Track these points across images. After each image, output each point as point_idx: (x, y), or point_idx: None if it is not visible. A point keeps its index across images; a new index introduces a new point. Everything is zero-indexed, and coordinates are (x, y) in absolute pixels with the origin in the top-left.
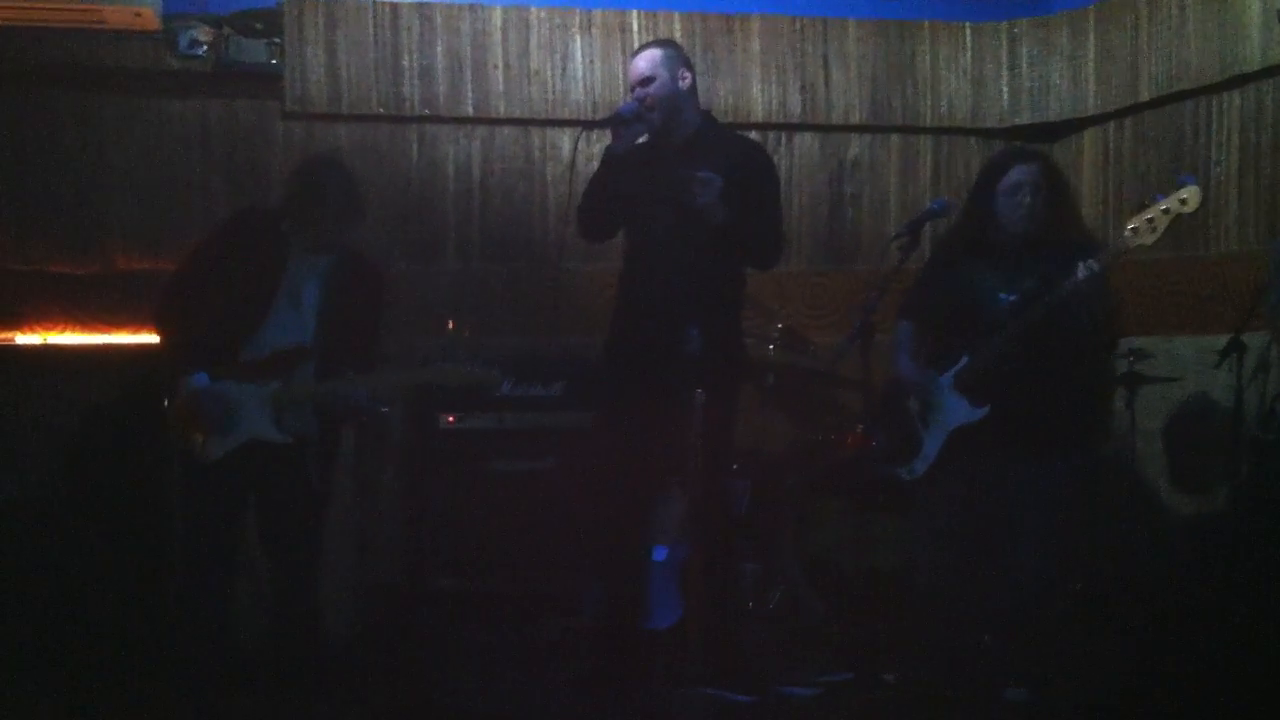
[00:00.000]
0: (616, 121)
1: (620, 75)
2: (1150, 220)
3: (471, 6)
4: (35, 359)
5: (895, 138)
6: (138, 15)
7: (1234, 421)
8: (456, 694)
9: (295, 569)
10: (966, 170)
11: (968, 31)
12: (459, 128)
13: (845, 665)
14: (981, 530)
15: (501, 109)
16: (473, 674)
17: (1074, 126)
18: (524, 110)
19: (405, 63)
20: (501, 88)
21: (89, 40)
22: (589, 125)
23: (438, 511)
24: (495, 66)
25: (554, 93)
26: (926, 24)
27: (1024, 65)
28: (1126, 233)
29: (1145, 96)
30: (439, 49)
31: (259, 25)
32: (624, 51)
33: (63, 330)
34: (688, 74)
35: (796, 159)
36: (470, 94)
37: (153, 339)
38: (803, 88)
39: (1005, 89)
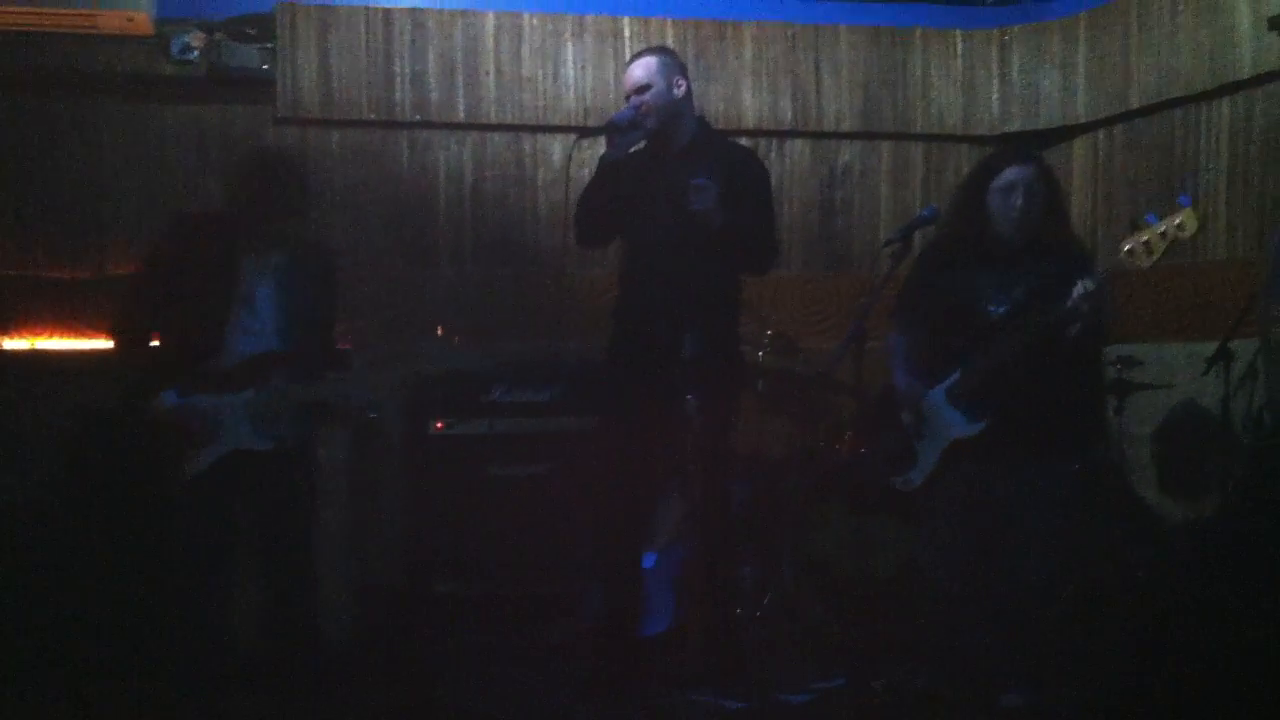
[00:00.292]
0: (611, 129)
1: (612, 81)
2: (1146, 243)
3: (464, 12)
4: (28, 364)
5: (887, 145)
6: (130, 20)
7: (1223, 428)
8: (454, 697)
9: (289, 572)
10: (957, 177)
11: (959, 39)
12: (451, 133)
13: (840, 670)
14: (979, 534)
15: (493, 115)
16: (470, 677)
17: (1065, 134)
18: (516, 116)
19: (397, 68)
20: (494, 94)
21: (82, 45)
22: (584, 133)
23: (435, 516)
24: (487, 72)
25: (546, 99)
26: (918, 31)
27: (1015, 73)
28: (1122, 254)
29: (1136, 104)
30: (431, 55)
31: (251, 30)
32: (616, 58)
33: (56, 335)
34: (683, 81)
35: (788, 166)
36: (462, 100)
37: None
38: (794, 94)
39: (996, 96)
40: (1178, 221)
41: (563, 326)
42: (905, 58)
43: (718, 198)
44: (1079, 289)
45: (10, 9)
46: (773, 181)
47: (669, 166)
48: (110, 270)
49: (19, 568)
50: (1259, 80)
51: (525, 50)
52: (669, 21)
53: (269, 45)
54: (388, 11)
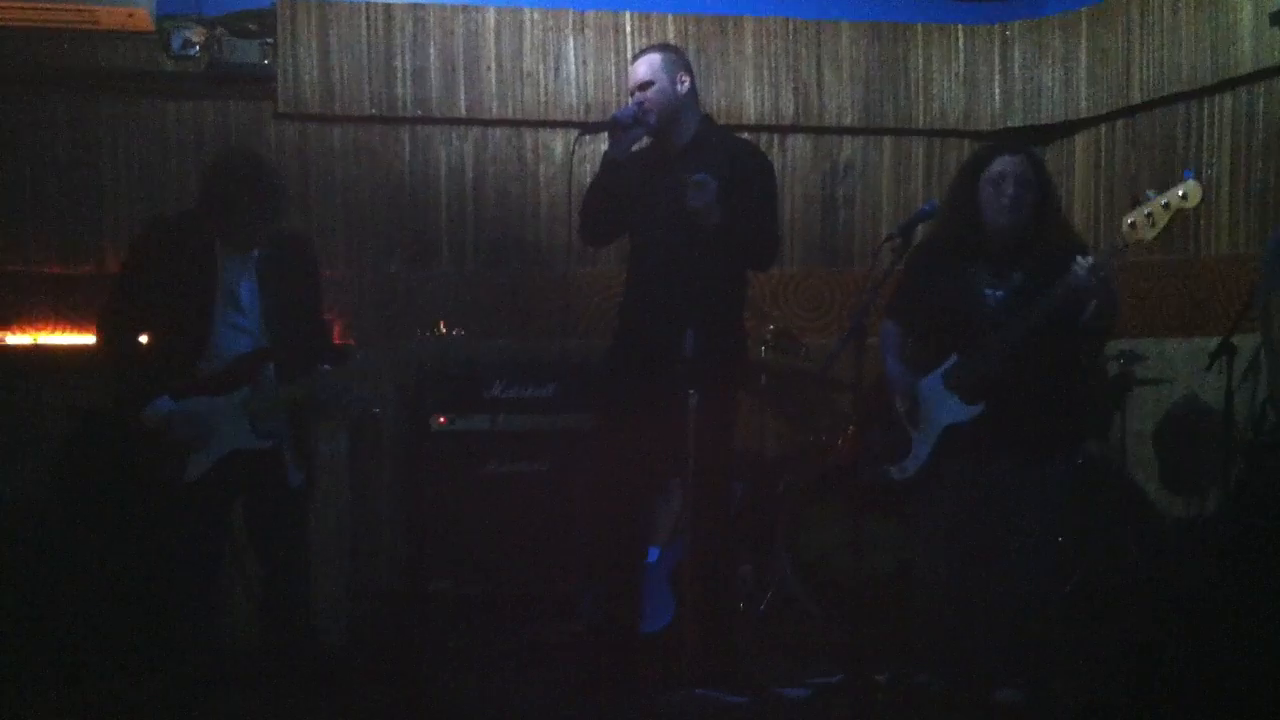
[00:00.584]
0: (614, 127)
1: (613, 76)
2: (1149, 215)
3: (465, 8)
4: (27, 359)
5: (888, 140)
6: (131, 16)
7: (1225, 423)
8: (451, 695)
9: (287, 567)
10: None
11: (960, 34)
12: (452, 129)
13: (838, 666)
14: (976, 529)
15: (494, 110)
16: (468, 675)
17: (1066, 129)
18: (517, 111)
19: (398, 64)
20: (494, 89)
21: (82, 41)
22: (586, 129)
23: (433, 514)
24: (488, 67)
25: (547, 94)
26: (919, 26)
27: (1016, 68)
28: (1125, 228)
29: (1137, 99)
30: (432, 50)
31: (252, 26)
32: (617, 53)
33: (56, 330)
34: (686, 78)
35: (789, 161)
36: (463, 95)
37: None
38: (796, 90)
39: (997, 91)
40: (1181, 192)
41: (565, 322)
42: (906, 53)
43: (717, 194)
44: (1080, 264)
45: (10, 4)
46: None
47: (672, 163)
48: (110, 266)
49: (17, 566)
50: (1260, 75)
51: (526, 45)
52: (670, 17)
53: (269, 41)
54: (388, 7)
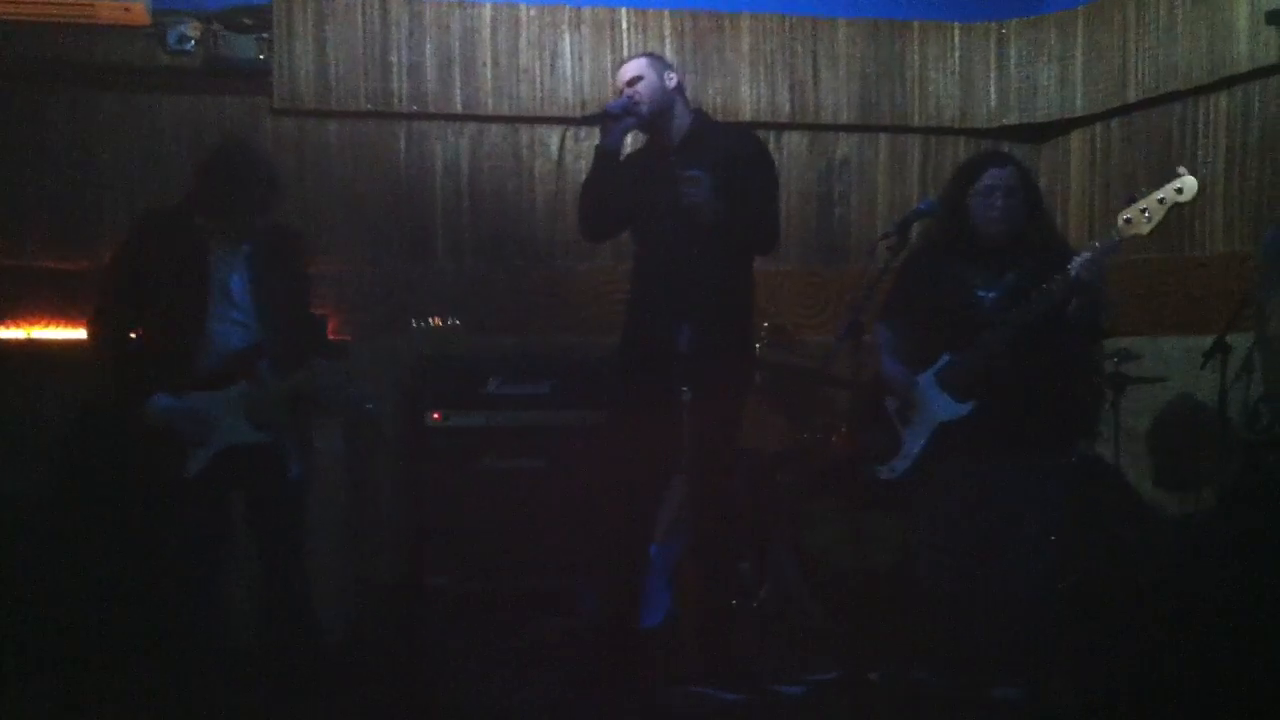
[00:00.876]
0: (605, 117)
1: (609, 72)
2: (1144, 210)
3: (461, 3)
4: (22, 354)
5: (884, 137)
6: (127, 10)
7: (1219, 422)
8: (450, 692)
9: (287, 561)
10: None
11: (956, 32)
12: (448, 124)
13: (836, 664)
14: (972, 528)
15: (490, 106)
16: (467, 672)
17: (1062, 127)
18: (513, 107)
19: (394, 59)
20: (490, 84)
21: (79, 35)
22: (577, 122)
23: (430, 510)
24: (484, 63)
25: (543, 90)
26: (916, 24)
27: (1012, 66)
28: (1120, 222)
29: (1133, 98)
30: (428, 45)
31: (248, 21)
32: (613, 49)
33: (51, 325)
34: (674, 75)
35: (785, 158)
36: (459, 91)
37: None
38: (792, 87)
39: (994, 89)
40: (1177, 186)
41: (561, 318)
42: (903, 50)
43: (711, 189)
44: (1075, 261)
45: None
46: None
47: (666, 160)
48: (105, 261)
49: (15, 562)
50: (1256, 74)
51: (522, 41)
52: (666, 13)
53: (266, 36)
54: (385, 2)
